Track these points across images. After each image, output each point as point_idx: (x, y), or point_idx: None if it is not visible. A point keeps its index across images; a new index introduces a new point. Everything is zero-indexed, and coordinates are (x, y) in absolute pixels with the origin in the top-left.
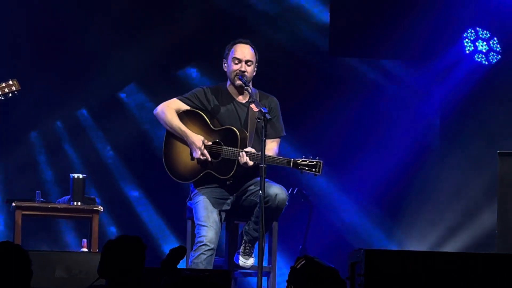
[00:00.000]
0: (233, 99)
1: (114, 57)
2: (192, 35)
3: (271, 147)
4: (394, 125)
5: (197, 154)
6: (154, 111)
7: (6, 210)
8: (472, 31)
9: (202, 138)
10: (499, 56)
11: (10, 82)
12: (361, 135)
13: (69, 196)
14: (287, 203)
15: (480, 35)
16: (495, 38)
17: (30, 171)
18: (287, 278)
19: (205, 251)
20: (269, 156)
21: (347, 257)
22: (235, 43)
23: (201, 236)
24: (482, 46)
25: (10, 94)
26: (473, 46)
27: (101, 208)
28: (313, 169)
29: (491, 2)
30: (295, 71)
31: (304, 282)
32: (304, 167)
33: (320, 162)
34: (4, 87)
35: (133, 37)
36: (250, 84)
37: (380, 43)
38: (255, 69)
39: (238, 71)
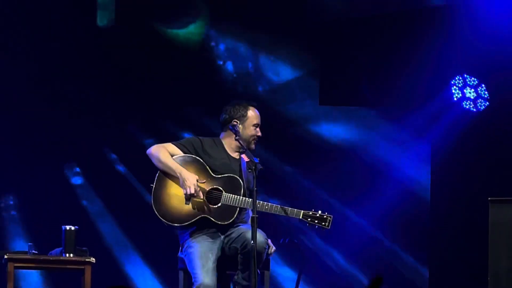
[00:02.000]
0: (227, 153)
1: None
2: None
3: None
4: (383, 175)
5: (189, 190)
6: (147, 151)
7: None
8: (460, 78)
9: (196, 177)
10: (487, 103)
11: None
12: (349, 186)
13: (61, 248)
14: (266, 246)
15: (468, 82)
16: (483, 85)
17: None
18: None
19: None
20: (282, 208)
21: None
22: (250, 106)
23: (199, 284)
24: (470, 93)
25: None
26: (461, 93)
27: (93, 259)
28: (323, 223)
29: (479, 49)
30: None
31: None
32: (314, 220)
33: (330, 217)
34: None
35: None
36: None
37: (368, 92)
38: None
39: (256, 136)
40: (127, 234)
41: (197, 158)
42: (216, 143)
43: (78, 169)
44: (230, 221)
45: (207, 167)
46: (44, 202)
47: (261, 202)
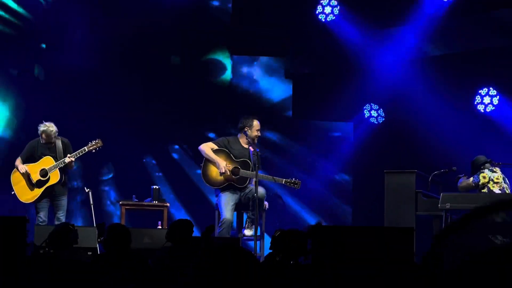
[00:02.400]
0: (242, 146)
1: None
2: None
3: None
4: (326, 161)
5: (221, 169)
6: (199, 147)
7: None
8: (369, 105)
9: (225, 162)
10: (383, 119)
11: (97, 140)
12: (303, 172)
13: (151, 198)
14: (265, 196)
15: (373, 107)
16: (381, 109)
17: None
18: (270, 241)
19: (225, 226)
20: (272, 177)
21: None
22: (254, 119)
23: (223, 218)
24: (374, 113)
25: (95, 150)
26: (369, 113)
27: (168, 204)
28: (295, 185)
29: (378, 91)
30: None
31: (278, 244)
32: (291, 183)
33: (299, 182)
34: (93, 145)
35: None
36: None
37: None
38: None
39: (258, 136)
40: (186, 192)
41: (225, 150)
42: (236, 140)
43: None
44: (245, 185)
45: (231, 155)
46: (140, 170)
47: (260, 174)
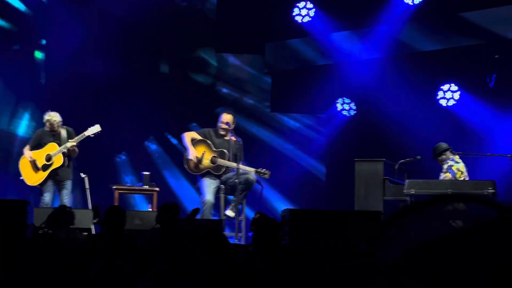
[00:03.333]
0: (223, 136)
1: None
2: None
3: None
4: (303, 149)
5: (189, 156)
6: (181, 135)
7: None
8: (341, 99)
9: (196, 152)
10: (355, 112)
11: (96, 126)
12: (280, 162)
13: (141, 183)
14: (255, 183)
15: (344, 101)
16: (353, 103)
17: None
18: (250, 223)
19: (206, 207)
20: (245, 167)
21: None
22: (224, 113)
23: (204, 200)
24: (346, 106)
25: (94, 135)
26: (342, 107)
27: (158, 189)
28: (265, 175)
29: (351, 85)
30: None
31: (259, 224)
32: (260, 173)
33: (269, 172)
34: (92, 130)
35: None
36: (229, 132)
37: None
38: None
39: (221, 128)
40: (174, 176)
41: (206, 140)
42: (217, 131)
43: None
44: (220, 173)
45: (211, 145)
46: (133, 157)
47: (234, 163)
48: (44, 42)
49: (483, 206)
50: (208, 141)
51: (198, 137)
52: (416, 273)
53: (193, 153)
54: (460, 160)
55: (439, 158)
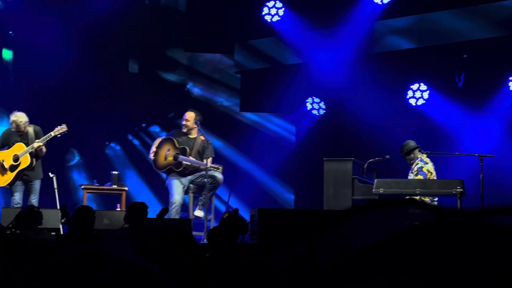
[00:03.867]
0: (186, 134)
1: None
2: None
3: (204, 162)
4: (271, 148)
5: (151, 154)
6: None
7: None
8: (311, 98)
9: (154, 150)
10: (324, 111)
11: (62, 125)
12: (249, 161)
13: (110, 183)
14: (222, 183)
15: (314, 100)
16: (322, 102)
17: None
18: (219, 222)
19: (174, 207)
20: (198, 162)
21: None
22: (187, 112)
23: (172, 200)
24: (316, 105)
25: (60, 135)
26: (311, 106)
27: (127, 188)
28: (218, 170)
29: (322, 79)
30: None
31: (226, 223)
32: (214, 168)
33: (222, 167)
34: (58, 130)
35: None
36: (195, 129)
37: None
38: (195, 122)
39: (182, 125)
40: (142, 175)
41: (172, 138)
42: (180, 129)
43: (114, 144)
44: (180, 169)
45: (175, 143)
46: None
47: (188, 159)
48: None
49: (422, 210)
50: (174, 139)
51: (160, 140)
52: (355, 277)
53: (152, 150)
54: (428, 160)
55: (408, 156)
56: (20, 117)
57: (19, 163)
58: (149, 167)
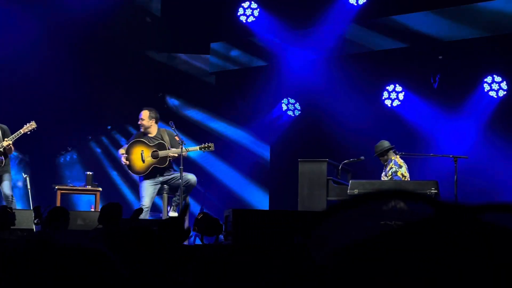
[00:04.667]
0: (148, 133)
1: None
2: None
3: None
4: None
5: (123, 159)
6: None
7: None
8: (286, 99)
9: (125, 154)
10: (300, 112)
11: (31, 122)
12: (224, 160)
13: (84, 183)
14: (196, 184)
15: (289, 101)
16: (298, 103)
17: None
18: (193, 223)
19: (145, 210)
20: (187, 149)
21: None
22: (142, 110)
23: (141, 204)
24: (291, 106)
25: (30, 132)
26: (287, 107)
27: (101, 189)
28: (210, 148)
29: (297, 80)
30: None
31: (201, 224)
32: (205, 148)
33: (212, 144)
34: (28, 127)
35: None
36: (153, 126)
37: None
38: (150, 120)
39: (140, 125)
40: (119, 176)
41: (141, 139)
42: (142, 131)
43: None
44: (166, 164)
45: (146, 142)
46: (76, 156)
47: (175, 150)
48: None
49: (421, 204)
50: (143, 140)
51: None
52: (348, 273)
53: (123, 155)
54: (402, 162)
55: (381, 157)
56: None
57: None
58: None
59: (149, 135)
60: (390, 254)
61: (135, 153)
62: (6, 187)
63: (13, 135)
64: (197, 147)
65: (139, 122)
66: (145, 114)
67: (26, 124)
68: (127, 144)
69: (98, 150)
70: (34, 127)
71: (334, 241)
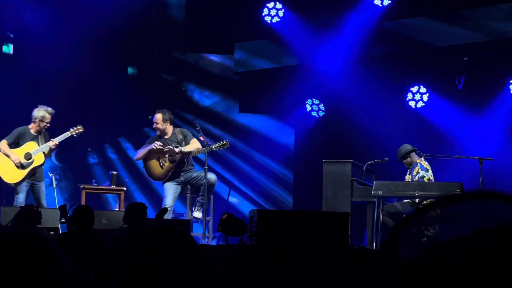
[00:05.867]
0: (163, 135)
1: None
2: None
3: (194, 145)
4: (273, 151)
5: (154, 146)
6: (134, 157)
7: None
8: (310, 100)
9: (153, 145)
10: (324, 112)
11: (79, 126)
12: (247, 162)
13: (109, 182)
14: (216, 183)
15: (314, 102)
16: (322, 103)
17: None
18: (218, 223)
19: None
20: (202, 149)
21: (248, 213)
22: (156, 113)
23: (164, 203)
24: (315, 107)
25: (77, 135)
26: (311, 107)
27: (125, 188)
28: (225, 145)
29: (321, 80)
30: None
31: (225, 225)
32: (220, 147)
33: (227, 141)
34: (75, 130)
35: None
36: (168, 128)
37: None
38: (164, 123)
39: (156, 129)
40: (140, 181)
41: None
42: (157, 135)
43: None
44: (185, 166)
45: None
46: (100, 156)
47: (189, 148)
48: (11, 36)
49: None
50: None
51: (144, 150)
52: (441, 271)
53: (153, 146)
54: (427, 165)
55: (404, 160)
56: (50, 108)
57: (32, 161)
58: None
59: (165, 137)
60: (477, 254)
61: (152, 161)
62: (43, 200)
63: (60, 136)
64: (213, 146)
65: (153, 126)
66: (158, 117)
67: (73, 127)
68: (143, 148)
69: (129, 146)
70: (81, 130)
71: (422, 239)
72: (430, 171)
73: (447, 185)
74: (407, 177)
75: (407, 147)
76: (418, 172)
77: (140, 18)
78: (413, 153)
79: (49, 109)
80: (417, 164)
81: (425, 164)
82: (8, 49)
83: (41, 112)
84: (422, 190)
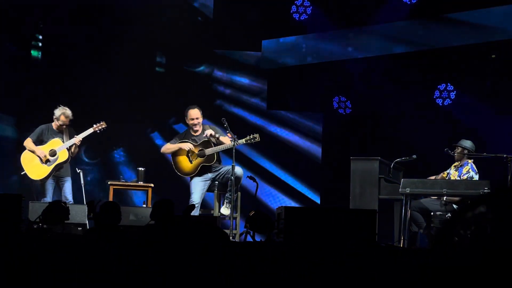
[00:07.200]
0: (193, 133)
1: None
2: None
3: (226, 140)
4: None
5: (186, 147)
6: (161, 151)
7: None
8: (338, 97)
9: (186, 144)
10: (350, 110)
11: (101, 122)
12: (275, 159)
13: (136, 178)
14: (244, 177)
15: (340, 99)
16: (349, 101)
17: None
18: (245, 220)
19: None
20: (231, 144)
21: (275, 209)
22: (190, 109)
23: (191, 200)
24: (338, 104)
25: (100, 131)
26: (338, 105)
27: (152, 184)
28: (256, 138)
29: (349, 78)
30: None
31: (253, 222)
32: (250, 139)
33: (257, 134)
34: (98, 126)
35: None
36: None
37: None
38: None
39: (192, 124)
40: (168, 176)
41: (185, 140)
42: (188, 131)
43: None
44: (214, 161)
45: (191, 143)
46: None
47: (226, 140)
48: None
49: None
50: (187, 141)
51: (175, 142)
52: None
53: (184, 145)
54: (476, 169)
55: (459, 152)
56: (67, 109)
57: (57, 157)
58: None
59: (196, 133)
60: None
61: (181, 155)
62: (69, 195)
63: (83, 133)
64: (243, 140)
65: (194, 122)
66: (199, 112)
67: (96, 124)
68: (173, 143)
69: (160, 142)
70: (104, 126)
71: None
72: (478, 175)
73: (475, 183)
74: (452, 174)
75: (470, 144)
76: (468, 172)
77: (168, 13)
78: (467, 152)
79: (67, 111)
80: (467, 163)
81: (475, 166)
82: (36, 53)
83: (58, 112)
84: (450, 188)
